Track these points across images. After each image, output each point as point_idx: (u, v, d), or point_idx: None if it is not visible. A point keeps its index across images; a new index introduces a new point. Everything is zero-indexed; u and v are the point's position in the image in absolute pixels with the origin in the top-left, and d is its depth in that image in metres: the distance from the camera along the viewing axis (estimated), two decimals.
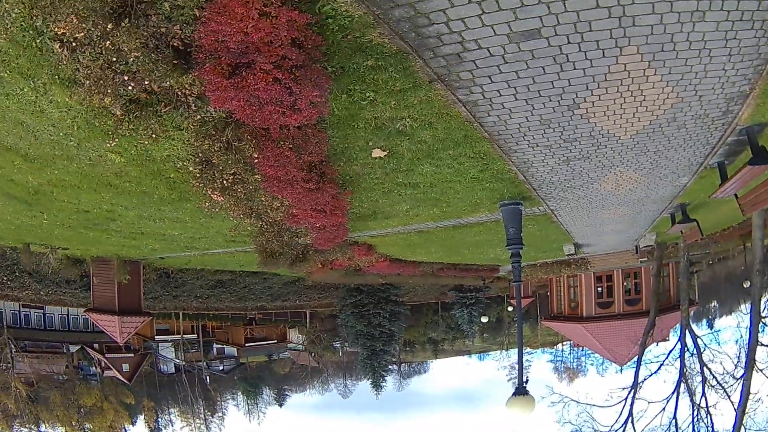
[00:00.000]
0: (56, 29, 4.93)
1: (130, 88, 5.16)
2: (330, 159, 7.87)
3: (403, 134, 7.19)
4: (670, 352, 28.27)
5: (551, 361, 55.48)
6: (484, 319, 47.19)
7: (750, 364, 22.09)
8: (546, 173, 9.60)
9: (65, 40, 5.24)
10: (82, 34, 4.63)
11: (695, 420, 24.79)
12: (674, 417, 25.41)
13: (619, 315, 30.66)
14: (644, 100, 6.56)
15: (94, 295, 22.19)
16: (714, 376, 25.05)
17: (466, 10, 4.44)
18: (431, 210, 11.96)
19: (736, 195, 11.43)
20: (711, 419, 24.40)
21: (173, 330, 47.28)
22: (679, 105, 6.83)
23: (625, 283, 30.80)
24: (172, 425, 49.75)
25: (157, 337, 47.46)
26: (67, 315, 41.43)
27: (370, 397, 46.98)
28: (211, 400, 51.65)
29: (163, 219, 12.55)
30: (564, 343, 52.62)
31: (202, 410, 50.10)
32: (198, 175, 7.55)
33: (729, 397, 23.69)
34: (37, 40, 5.46)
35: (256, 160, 6.47)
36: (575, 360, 53.93)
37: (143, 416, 48.19)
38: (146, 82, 4.98)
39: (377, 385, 45.11)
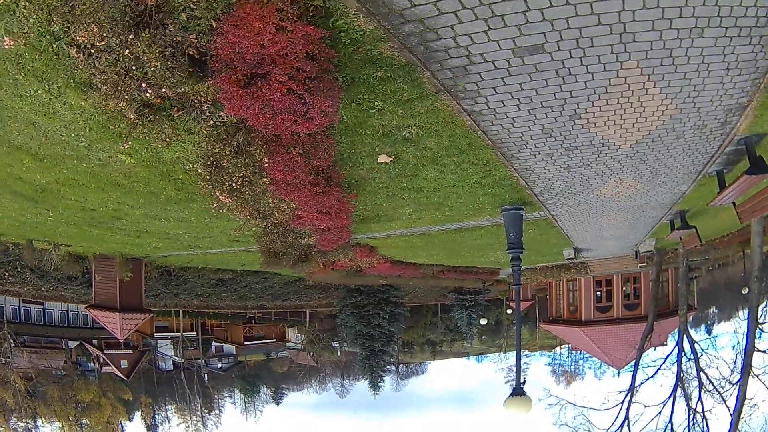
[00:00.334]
0: (76, 36, 5.07)
1: (148, 94, 5.32)
2: (337, 163, 8.04)
3: (409, 141, 7.37)
4: (668, 356, 28.29)
5: (549, 364, 55.60)
6: (483, 322, 47.13)
7: (746, 369, 22.20)
8: (547, 180, 9.77)
9: (82, 45, 5.39)
10: (103, 42, 4.78)
11: (691, 424, 24.82)
12: (670, 421, 25.44)
13: (618, 319, 30.65)
14: (644, 111, 6.73)
15: (95, 291, 22.27)
16: (710, 381, 25.09)
17: (473, 26, 4.63)
18: (434, 213, 12.13)
19: (734, 203, 11.56)
20: (707, 424, 24.44)
21: (172, 327, 47.28)
22: (678, 116, 7.01)
23: (624, 288, 30.80)
24: (169, 422, 49.76)
25: (156, 335, 47.45)
26: (67, 311, 41.50)
27: (367, 397, 47.09)
28: (209, 397, 51.62)
29: (168, 218, 12.69)
30: (562, 346, 52.64)
31: (199, 407, 50.09)
32: (207, 177, 7.70)
33: (725, 402, 23.72)
34: (54, 45, 5.57)
35: (267, 165, 6.64)
36: (573, 363, 54.04)
37: (140, 412, 48.27)
38: (163, 90, 5.13)
39: (375, 385, 45.19)
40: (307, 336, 53.84)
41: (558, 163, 8.73)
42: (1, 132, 7.87)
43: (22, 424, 37.28)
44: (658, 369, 28.08)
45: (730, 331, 34.48)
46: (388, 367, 47.01)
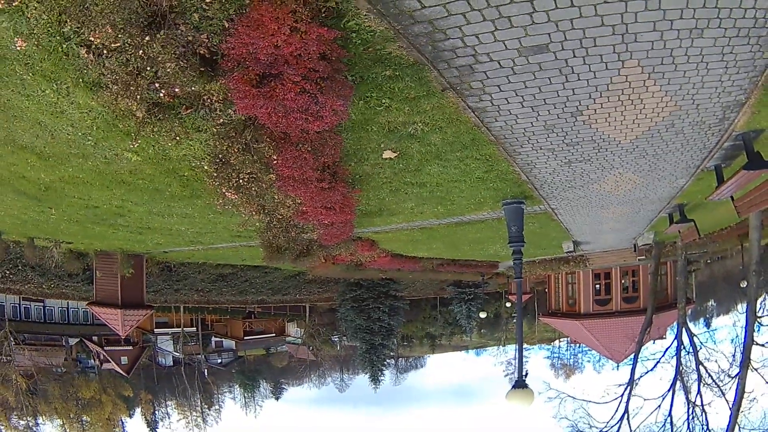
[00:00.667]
0: (90, 37, 5.15)
1: (161, 94, 5.41)
2: (342, 159, 8.15)
3: (414, 137, 7.50)
4: (667, 349, 28.44)
5: (548, 357, 55.72)
6: (483, 315, 47.28)
7: (745, 363, 22.37)
8: (548, 174, 9.91)
9: (93, 46, 5.46)
10: (118, 44, 4.88)
11: (690, 418, 24.94)
12: (669, 414, 25.57)
13: (617, 312, 30.70)
14: (644, 108, 6.87)
15: (96, 288, 22.36)
16: (709, 375, 25.23)
17: (481, 27, 4.76)
18: (436, 208, 12.25)
19: (732, 197, 11.70)
20: (706, 417, 24.58)
21: (172, 323, 47.35)
22: (677, 113, 7.15)
23: (623, 281, 30.86)
24: (169, 418, 49.87)
25: (156, 330, 47.53)
26: (67, 308, 41.61)
27: (367, 391, 47.21)
28: (209, 393, 51.74)
29: (171, 215, 12.77)
30: (561, 339, 52.76)
31: (199, 403, 50.22)
32: (214, 174, 7.77)
33: (724, 395, 23.85)
34: (64, 45, 5.63)
35: (275, 162, 6.75)
36: (572, 356, 54.17)
37: (140, 409, 48.41)
38: (176, 90, 5.23)
39: (375, 379, 45.30)
40: (306, 330, 53.89)
41: (559, 157, 8.87)
42: (7, 132, 7.92)
43: (23, 422, 37.38)
44: (657, 362, 28.25)
45: (728, 325, 34.71)
46: (388, 360, 47.10)
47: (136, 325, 25.49)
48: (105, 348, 42.34)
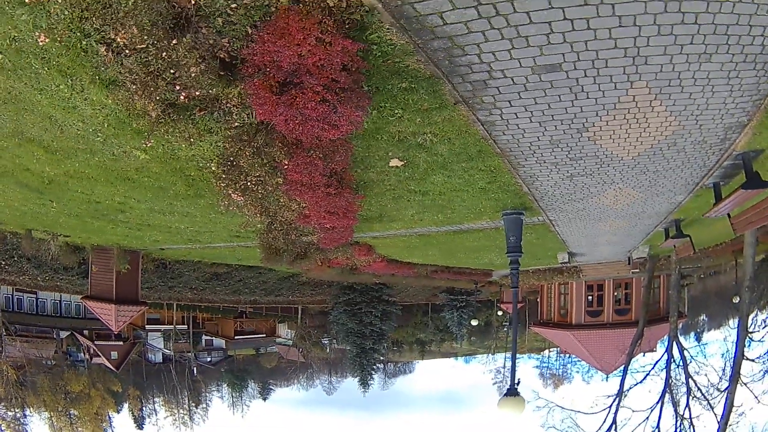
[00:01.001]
0: (115, 37, 5.21)
1: (182, 97, 5.49)
2: (349, 166, 8.26)
3: (422, 147, 7.64)
4: (657, 362, 28.55)
5: (537, 366, 55.91)
6: (474, 323, 47.35)
7: (735, 377, 22.55)
8: (549, 187, 10.06)
9: (113, 44, 5.52)
10: (143, 45, 4.96)
11: (678, 430, 25.11)
12: (657, 427, 25.67)
13: (608, 324, 30.68)
14: (648, 126, 7.04)
15: (91, 282, 22.33)
16: (699, 388, 25.37)
17: (499, 45, 4.91)
18: (436, 216, 12.37)
19: (729, 214, 11.85)
20: (694, 430, 24.75)
21: (164, 320, 47.23)
22: (680, 132, 7.31)
23: (615, 293, 30.86)
24: (156, 414, 49.73)
25: (147, 327, 47.38)
26: (60, 301, 41.41)
27: (354, 395, 47.19)
28: (197, 391, 51.62)
29: (173, 213, 12.81)
30: (551, 349, 52.90)
31: (187, 401, 50.08)
32: (222, 176, 7.86)
33: (713, 409, 24.00)
34: (83, 42, 5.64)
35: (286, 166, 6.85)
36: (561, 366, 54.36)
37: (128, 404, 48.22)
38: (196, 93, 5.32)
39: (365, 383, 45.31)
40: (297, 332, 53.86)
41: (562, 171, 9.02)
42: (15, 124, 7.93)
43: (10, 413, 37.17)
44: (647, 374, 28.37)
45: (719, 339, 34.79)
46: (377, 365, 47.12)
47: (129, 321, 25.44)
48: (95, 342, 42.08)
